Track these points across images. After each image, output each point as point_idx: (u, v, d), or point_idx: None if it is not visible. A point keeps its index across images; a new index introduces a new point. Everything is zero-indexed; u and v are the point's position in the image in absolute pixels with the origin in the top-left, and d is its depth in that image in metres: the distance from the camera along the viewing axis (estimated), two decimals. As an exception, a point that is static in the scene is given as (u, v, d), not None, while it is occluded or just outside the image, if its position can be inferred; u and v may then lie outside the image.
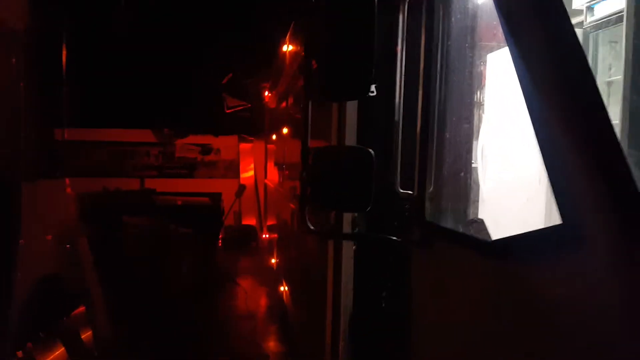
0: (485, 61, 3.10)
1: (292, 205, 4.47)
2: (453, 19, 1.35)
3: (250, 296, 7.22)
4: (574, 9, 2.78)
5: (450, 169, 1.38)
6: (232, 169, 12.13)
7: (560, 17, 0.95)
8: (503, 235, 1.21)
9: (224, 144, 12.08)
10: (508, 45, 1.06)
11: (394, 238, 1.53)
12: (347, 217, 2.05)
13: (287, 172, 5.44)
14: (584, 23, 2.76)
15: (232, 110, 11.27)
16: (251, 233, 11.06)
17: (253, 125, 11.06)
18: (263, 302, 6.98)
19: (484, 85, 3.25)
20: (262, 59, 8.72)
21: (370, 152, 1.34)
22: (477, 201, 1.40)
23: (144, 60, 9.97)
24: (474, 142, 1.64)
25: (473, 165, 1.64)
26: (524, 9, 1.01)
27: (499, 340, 1.15)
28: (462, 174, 1.31)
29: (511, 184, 1.65)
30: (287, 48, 5.34)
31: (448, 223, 1.43)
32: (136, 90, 10.19)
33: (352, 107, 1.86)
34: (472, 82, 1.50)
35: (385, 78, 1.50)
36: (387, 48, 1.49)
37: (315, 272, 3.05)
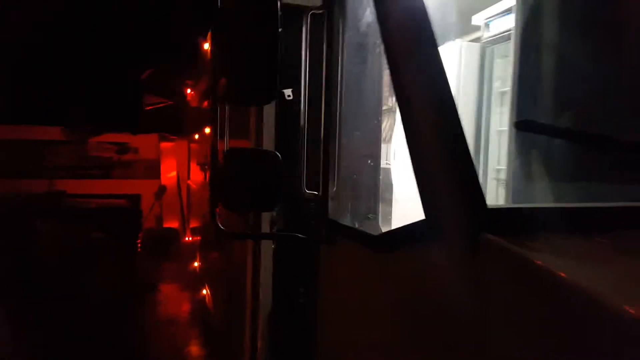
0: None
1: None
2: (354, 30, 1.43)
3: (171, 301, 7.04)
4: (473, 25, 3.00)
5: (353, 170, 1.45)
6: (153, 170, 11.66)
7: (430, 48, 1.07)
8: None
9: (143, 142, 11.59)
10: (388, 64, 1.17)
11: (301, 236, 1.59)
12: (265, 217, 2.08)
13: (209, 172, 5.37)
14: (482, 38, 3.00)
15: (152, 107, 10.88)
16: (172, 236, 10.72)
17: (175, 123, 10.71)
18: (184, 306, 6.82)
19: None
20: (183, 56, 8.51)
21: (277, 155, 1.38)
22: (379, 200, 1.49)
23: (56, 53, 9.39)
24: (385, 145, 1.73)
25: (385, 166, 1.72)
26: (401, 32, 1.13)
27: (389, 323, 1.26)
28: (365, 174, 1.39)
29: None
30: (209, 47, 5.26)
31: (348, 220, 1.50)
32: (46, 85, 9.57)
33: (269, 110, 1.90)
34: (377, 88, 1.58)
35: (295, 84, 1.56)
36: (295, 56, 1.55)
37: (235, 272, 3.05)
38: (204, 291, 5.36)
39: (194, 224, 8.26)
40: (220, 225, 1.47)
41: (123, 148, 11.50)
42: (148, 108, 11.01)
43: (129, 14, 9.51)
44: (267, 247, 2.24)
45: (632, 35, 2.36)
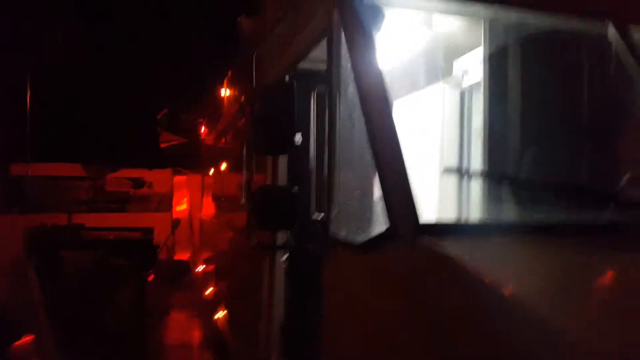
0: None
1: (231, 234, 4.91)
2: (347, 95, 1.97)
3: (184, 327, 7.41)
4: (455, 72, 3.51)
5: (350, 198, 1.97)
6: (165, 203, 12.17)
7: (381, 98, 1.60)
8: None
9: (157, 177, 12.15)
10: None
11: (310, 247, 2.12)
12: (282, 236, 2.62)
13: (225, 204, 5.86)
14: (461, 83, 3.50)
15: (167, 144, 11.51)
16: (184, 267, 11.12)
17: (188, 159, 11.31)
18: (197, 331, 7.19)
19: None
20: (197, 97, 9.14)
21: (291, 191, 1.95)
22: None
23: (77, 93, 10.06)
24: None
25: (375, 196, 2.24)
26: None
27: (372, 316, 1.74)
28: (358, 201, 1.91)
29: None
30: (226, 91, 5.88)
31: (345, 235, 2.00)
32: (67, 123, 10.20)
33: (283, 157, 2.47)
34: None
35: (305, 135, 2.14)
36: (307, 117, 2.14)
37: (251, 289, 3.49)
38: (217, 315, 5.76)
39: (205, 254, 8.65)
40: (255, 238, 1.99)
41: (138, 182, 12.05)
42: (163, 145, 11.63)
43: (149, 56, 10.23)
44: (280, 263, 2.75)
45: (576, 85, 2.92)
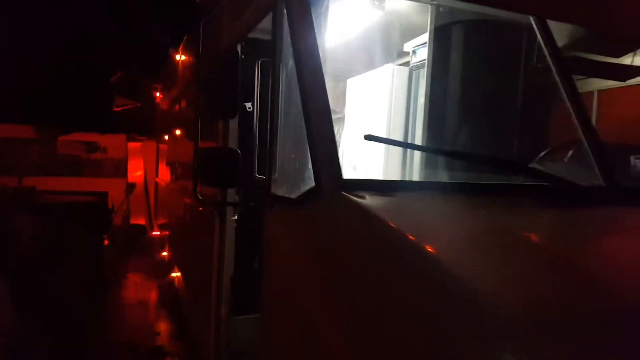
0: (345, 84, 4.07)
1: (186, 200, 5.08)
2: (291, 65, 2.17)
3: (140, 288, 7.58)
4: (404, 51, 3.77)
5: (288, 159, 2.20)
6: (120, 168, 12.08)
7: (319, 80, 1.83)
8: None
9: (111, 142, 12.01)
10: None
11: (252, 204, 2.36)
12: (231, 194, 2.85)
13: (179, 170, 5.99)
14: (410, 63, 3.77)
15: (121, 108, 11.35)
16: (140, 232, 11.20)
17: (143, 125, 11.21)
18: (153, 292, 7.39)
19: (344, 102, 4.21)
20: (152, 61, 9.03)
21: (237, 151, 2.16)
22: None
23: (28, 54, 9.73)
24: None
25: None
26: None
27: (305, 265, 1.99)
28: (295, 162, 2.14)
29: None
30: (181, 57, 5.92)
31: (284, 193, 2.23)
32: (18, 84, 9.88)
33: (233, 120, 2.67)
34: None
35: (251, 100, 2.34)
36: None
37: (202, 247, 3.71)
38: (173, 274, 5.98)
39: (161, 218, 8.77)
40: (199, 195, 2.19)
41: (92, 147, 11.88)
42: (116, 109, 11.45)
43: (104, 17, 9.96)
44: (230, 220, 2.98)
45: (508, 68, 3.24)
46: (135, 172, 12.05)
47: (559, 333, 1.18)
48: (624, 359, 1.21)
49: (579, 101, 2.26)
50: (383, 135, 3.45)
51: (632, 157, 2.46)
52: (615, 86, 3.67)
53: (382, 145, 3.17)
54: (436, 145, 3.37)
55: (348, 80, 3.99)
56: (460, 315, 1.23)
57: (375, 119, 3.64)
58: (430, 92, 3.34)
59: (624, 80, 3.32)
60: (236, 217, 2.89)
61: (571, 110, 2.24)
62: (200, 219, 3.97)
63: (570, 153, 2.43)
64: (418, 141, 3.57)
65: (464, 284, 1.29)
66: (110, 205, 10.94)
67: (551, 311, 1.23)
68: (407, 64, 3.79)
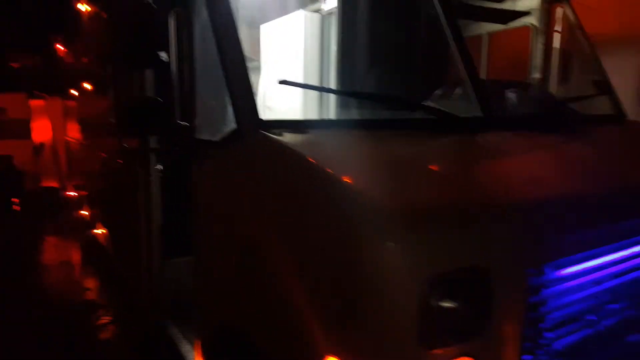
0: (259, 32, 4.18)
1: (103, 155, 5.02)
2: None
3: (62, 249, 7.43)
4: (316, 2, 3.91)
5: (209, 104, 2.36)
6: (23, 129, 11.31)
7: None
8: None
9: (11, 101, 11.15)
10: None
11: (177, 149, 2.52)
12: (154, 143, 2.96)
13: (92, 125, 5.83)
14: (321, 10, 3.94)
15: (20, 65, 10.51)
16: (53, 193, 10.74)
17: (46, 80, 10.46)
18: (75, 251, 7.27)
19: (257, 50, 4.32)
20: (54, 13, 8.41)
21: (158, 99, 2.29)
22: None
23: None
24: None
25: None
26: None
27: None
28: (215, 107, 2.30)
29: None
30: (85, 7, 5.65)
31: (207, 137, 2.39)
32: None
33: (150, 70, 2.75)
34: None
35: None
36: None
37: (129, 199, 3.78)
38: (96, 231, 5.93)
39: (75, 178, 8.45)
40: (126, 145, 2.30)
41: (-11, 108, 10.99)
42: (14, 65, 10.60)
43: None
44: (153, 169, 3.10)
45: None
46: (42, 132, 11.35)
47: (432, 227, 1.53)
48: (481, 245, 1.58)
49: (462, 43, 2.59)
50: (300, 80, 3.66)
51: (506, 91, 2.87)
52: (502, 29, 4.11)
53: (300, 90, 3.38)
54: (348, 87, 3.67)
55: (261, 26, 4.10)
56: (359, 217, 1.54)
57: (290, 64, 3.82)
58: (341, 38, 3.59)
59: (505, 23, 3.74)
60: (161, 166, 3.02)
61: (456, 51, 2.57)
62: (123, 172, 4.02)
63: (458, 90, 2.78)
64: (332, 85, 3.82)
65: (363, 197, 1.59)
66: (18, 169, 10.34)
67: (425, 209, 1.57)
68: (319, 10, 3.94)
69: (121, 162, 3.98)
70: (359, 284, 1.54)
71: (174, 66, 2.45)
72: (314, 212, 1.71)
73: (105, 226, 5.33)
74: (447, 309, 1.52)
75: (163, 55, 2.64)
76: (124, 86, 3.07)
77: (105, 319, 4.68)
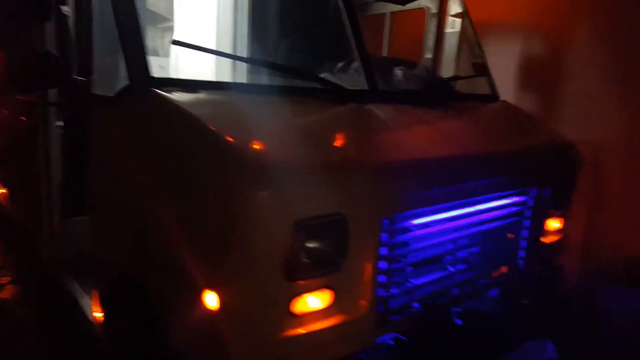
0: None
1: (1, 110, 4.81)
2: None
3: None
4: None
5: (105, 61, 2.44)
6: None
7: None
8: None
9: None
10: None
11: (74, 102, 2.58)
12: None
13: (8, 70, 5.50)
14: None
15: None
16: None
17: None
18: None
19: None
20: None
21: (53, 53, 2.33)
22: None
23: None
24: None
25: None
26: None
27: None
28: (111, 64, 2.37)
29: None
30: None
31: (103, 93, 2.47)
32: None
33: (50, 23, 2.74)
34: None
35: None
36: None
37: (28, 157, 3.72)
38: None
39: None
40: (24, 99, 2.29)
41: None
42: None
43: None
44: (55, 127, 3.11)
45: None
46: None
47: (299, 178, 1.77)
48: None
49: (355, 21, 2.83)
50: (212, 43, 3.76)
51: (394, 68, 3.17)
52: (404, 9, 4.42)
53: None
54: (259, 53, 3.84)
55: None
56: (235, 169, 1.74)
57: (203, 27, 3.89)
58: (253, 6, 3.74)
59: (404, 5, 4.05)
60: (61, 123, 3.03)
61: (348, 29, 2.81)
62: (21, 131, 3.93)
63: (353, 64, 3.03)
64: (244, 50, 3.94)
65: (239, 151, 1.79)
66: None
67: (293, 163, 1.81)
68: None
69: (21, 118, 3.88)
70: (233, 227, 1.75)
71: (71, 21, 2.49)
72: (196, 165, 1.89)
73: (5, 187, 5.15)
74: (309, 248, 1.78)
75: (65, 9, 2.66)
76: (20, 39, 3.00)
77: (4, 279, 4.58)
